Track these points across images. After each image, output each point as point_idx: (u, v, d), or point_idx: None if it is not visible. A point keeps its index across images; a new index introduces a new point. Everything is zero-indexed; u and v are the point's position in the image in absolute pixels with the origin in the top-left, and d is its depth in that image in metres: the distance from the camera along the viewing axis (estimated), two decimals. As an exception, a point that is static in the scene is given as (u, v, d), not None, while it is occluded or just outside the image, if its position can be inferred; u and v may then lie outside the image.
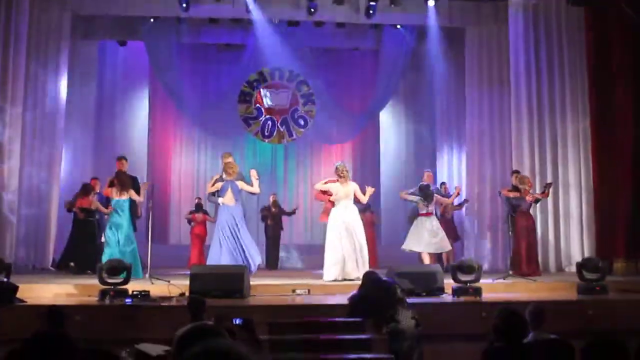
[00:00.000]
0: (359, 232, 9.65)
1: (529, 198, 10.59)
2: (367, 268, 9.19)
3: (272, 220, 13.96)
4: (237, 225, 9.59)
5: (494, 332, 4.17)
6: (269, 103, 15.02)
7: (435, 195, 10.79)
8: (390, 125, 16.16)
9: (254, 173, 9.84)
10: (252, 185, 9.84)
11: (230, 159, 10.06)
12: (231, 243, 9.50)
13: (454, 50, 14.11)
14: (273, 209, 13.99)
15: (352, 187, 9.86)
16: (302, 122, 15.07)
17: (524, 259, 10.51)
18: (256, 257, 9.64)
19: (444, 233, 10.63)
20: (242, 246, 9.48)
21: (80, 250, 11.00)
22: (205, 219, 13.31)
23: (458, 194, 11.92)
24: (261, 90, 14.98)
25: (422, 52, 14.35)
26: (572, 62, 12.03)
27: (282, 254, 14.18)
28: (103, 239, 10.28)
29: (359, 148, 16.26)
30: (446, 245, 10.66)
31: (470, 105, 13.11)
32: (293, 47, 14.45)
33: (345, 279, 9.33)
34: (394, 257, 10.90)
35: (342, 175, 9.81)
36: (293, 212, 14.29)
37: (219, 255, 9.46)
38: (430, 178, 11.48)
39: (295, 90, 15.05)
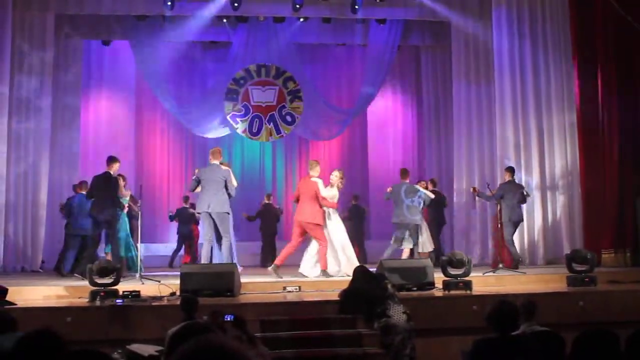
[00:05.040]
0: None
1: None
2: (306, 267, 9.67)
3: (267, 219, 13.95)
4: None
5: (487, 320, 4.19)
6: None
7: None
8: (378, 120, 16.14)
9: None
10: None
11: None
12: None
13: (440, 44, 14.14)
14: (269, 208, 14.00)
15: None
16: (289, 119, 15.01)
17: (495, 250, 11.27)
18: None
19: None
20: None
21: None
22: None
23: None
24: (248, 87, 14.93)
25: (408, 46, 14.33)
26: (557, 54, 12.05)
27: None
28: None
29: (347, 144, 16.24)
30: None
31: (457, 99, 13.12)
32: (279, 43, 14.43)
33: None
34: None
35: None
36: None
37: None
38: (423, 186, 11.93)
39: (282, 87, 15.00)
